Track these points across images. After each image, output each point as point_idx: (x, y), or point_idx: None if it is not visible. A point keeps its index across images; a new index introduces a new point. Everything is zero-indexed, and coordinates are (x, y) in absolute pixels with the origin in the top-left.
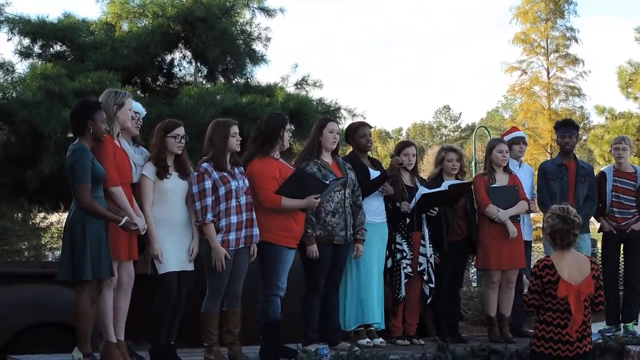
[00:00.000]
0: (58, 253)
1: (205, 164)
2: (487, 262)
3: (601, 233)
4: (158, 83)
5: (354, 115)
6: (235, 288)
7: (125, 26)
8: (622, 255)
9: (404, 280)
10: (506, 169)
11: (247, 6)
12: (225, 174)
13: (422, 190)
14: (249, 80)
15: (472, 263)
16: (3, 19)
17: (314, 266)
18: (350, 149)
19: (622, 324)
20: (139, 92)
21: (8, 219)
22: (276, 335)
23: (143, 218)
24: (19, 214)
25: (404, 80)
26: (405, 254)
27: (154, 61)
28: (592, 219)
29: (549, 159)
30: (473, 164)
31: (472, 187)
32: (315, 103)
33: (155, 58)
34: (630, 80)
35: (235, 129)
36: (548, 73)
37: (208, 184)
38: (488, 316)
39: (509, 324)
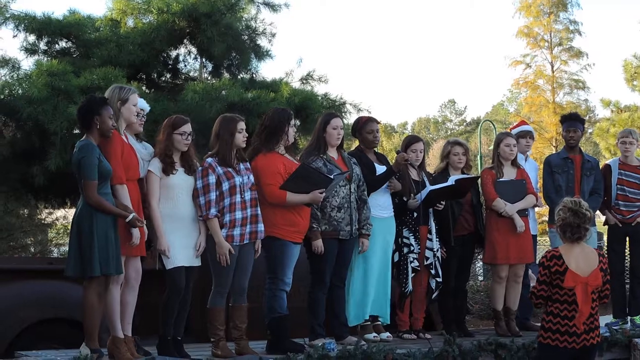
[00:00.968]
0: (64, 249)
1: (209, 159)
2: (495, 256)
3: (606, 226)
4: (163, 79)
5: (359, 110)
6: (241, 284)
7: (130, 22)
8: (628, 248)
9: (410, 275)
10: (514, 163)
11: (251, 1)
12: (229, 169)
13: (429, 187)
14: (254, 75)
15: (479, 257)
16: (9, 15)
17: (320, 261)
18: (356, 143)
19: (629, 317)
20: (144, 88)
21: (14, 215)
22: (283, 330)
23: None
24: (25, 210)
25: (409, 75)
26: (412, 248)
27: (159, 57)
28: (598, 212)
29: (554, 152)
30: (479, 158)
31: (480, 180)
32: (320, 98)
33: (161, 54)
34: (635, 73)
35: (242, 125)
36: (552, 66)
37: (212, 178)
38: (495, 310)
39: (516, 318)
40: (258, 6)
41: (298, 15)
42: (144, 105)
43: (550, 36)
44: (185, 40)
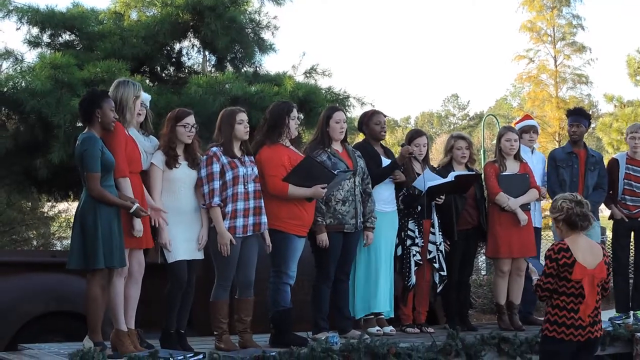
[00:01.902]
0: (66, 242)
1: (214, 148)
2: (498, 250)
3: (611, 221)
4: (167, 72)
5: (363, 103)
6: (246, 276)
7: (134, 15)
8: (633, 243)
9: (413, 268)
10: (517, 157)
11: None
12: (234, 159)
13: (428, 182)
14: (257, 69)
15: (481, 251)
16: (12, 8)
17: (324, 254)
18: (359, 137)
19: (632, 312)
20: (147, 81)
21: (16, 208)
22: (286, 323)
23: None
24: (29, 204)
25: (412, 69)
26: (415, 241)
27: (163, 50)
28: (603, 206)
29: (557, 147)
30: (482, 152)
31: (483, 174)
32: (324, 92)
33: (164, 47)
34: (639, 68)
35: (242, 116)
36: (555, 61)
37: (216, 167)
38: (498, 304)
39: (519, 312)
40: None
41: (302, 8)
42: (145, 97)
43: (554, 31)
44: (188, 34)
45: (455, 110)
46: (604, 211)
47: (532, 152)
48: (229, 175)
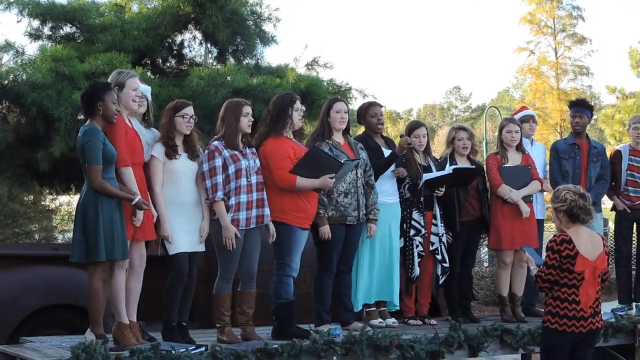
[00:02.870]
0: (68, 235)
1: (216, 142)
2: (500, 242)
3: (614, 212)
4: (168, 64)
5: (365, 95)
6: (249, 269)
7: (135, 7)
8: (635, 234)
9: (417, 260)
10: (519, 148)
11: None
12: (236, 152)
13: (426, 176)
14: (259, 61)
15: (484, 243)
16: (13, 0)
17: (327, 247)
18: (361, 129)
19: (634, 303)
20: (149, 74)
21: (18, 201)
22: (288, 315)
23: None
24: (30, 197)
25: (414, 61)
26: (420, 231)
27: (164, 42)
28: (605, 197)
29: (558, 138)
30: (484, 144)
31: (485, 166)
32: (326, 84)
33: (165, 39)
34: None
35: (247, 109)
36: (556, 53)
37: (218, 161)
38: (500, 296)
39: (521, 304)
40: None
41: (303, 0)
42: (143, 88)
43: (554, 22)
44: (190, 26)
45: (458, 102)
46: (607, 202)
47: (532, 143)
48: (231, 169)
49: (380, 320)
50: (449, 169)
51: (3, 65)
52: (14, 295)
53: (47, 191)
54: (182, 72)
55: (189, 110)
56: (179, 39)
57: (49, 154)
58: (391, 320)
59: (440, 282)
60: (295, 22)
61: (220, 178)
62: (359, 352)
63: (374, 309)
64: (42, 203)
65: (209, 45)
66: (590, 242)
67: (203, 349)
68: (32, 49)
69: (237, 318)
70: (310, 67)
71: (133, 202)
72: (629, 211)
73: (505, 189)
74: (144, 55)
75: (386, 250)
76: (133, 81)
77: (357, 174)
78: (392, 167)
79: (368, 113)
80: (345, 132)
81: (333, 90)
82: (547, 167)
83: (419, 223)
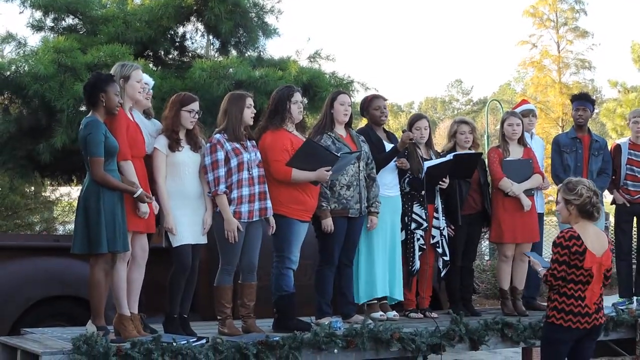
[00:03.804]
0: (69, 227)
1: (218, 135)
2: (501, 235)
3: (614, 206)
4: (170, 56)
5: (367, 88)
6: (250, 261)
7: None
8: (635, 228)
9: (417, 253)
10: (521, 142)
11: None
12: (237, 145)
13: (427, 163)
14: (261, 53)
15: (485, 236)
16: None
17: (329, 239)
18: (363, 122)
19: (635, 297)
20: (151, 65)
21: (19, 192)
22: (289, 308)
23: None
24: (32, 188)
25: (416, 54)
26: (421, 224)
27: (166, 34)
28: (605, 191)
29: (560, 132)
30: (485, 137)
31: (486, 160)
32: (328, 76)
33: (168, 31)
34: None
35: (250, 101)
36: (558, 46)
37: (220, 155)
38: (501, 289)
39: (522, 297)
40: None
41: None
42: (148, 79)
43: (556, 16)
44: (192, 18)
45: (459, 95)
46: (607, 196)
47: (532, 137)
48: (233, 162)
49: (382, 313)
50: (449, 155)
51: (5, 57)
52: (15, 287)
53: (49, 183)
54: (184, 64)
55: (195, 106)
56: (181, 30)
57: (50, 145)
58: (392, 313)
59: (442, 274)
60: (297, 14)
61: (222, 171)
62: (360, 345)
63: (375, 302)
64: (43, 194)
65: (211, 37)
66: (597, 238)
67: (204, 341)
68: (34, 40)
69: (238, 310)
70: (312, 59)
71: (135, 195)
72: (629, 205)
73: (506, 183)
74: (146, 47)
75: (388, 243)
76: (137, 73)
77: (359, 166)
78: (395, 158)
79: (371, 106)
80: (348, 125)
81: (335, 83)
82: (545, 162)
83: (421, 216)
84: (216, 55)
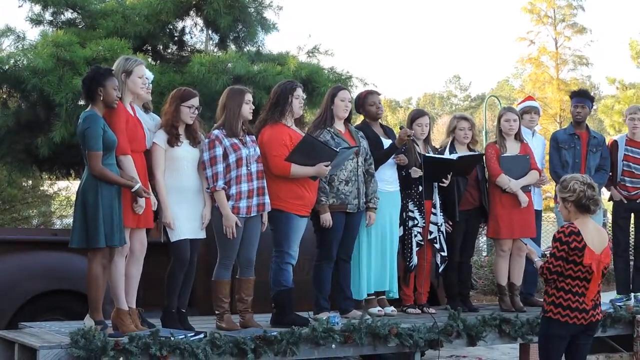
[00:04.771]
0: (67, 221)
1: (216, 131)
2: (498, 230)
3: (611, 202)
4: (169, 51)
5: (366, 84)
6: (248, 256)
7: None
8: (633, 225)
9: (415, 249)
10: (517, 138)
11: None
12: (236, 141)
13: (429, 156)
14: (260, 48)
15: (482, 232)
16: None
17: (327, 234)
18: (360, 118)
19: (633, 294)
20: (150, 60)
21: (16, 186)
22: (287, 303)
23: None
24: (29, 182)
25: (414, 50)
26: (416, 222)
27: (165, 29)
28: (603, 188)
29: (558, 128)
30: (484, 133)
31: (484, 156)
32: (326, 72)
33: (167, 26)
34: None
35: (249, 96)
36: (556, 43)
37: (219, 150)
38: (499, 285)
39: (520, 293)
40: None
41: None
42: (148, 74)
43: (554, 12)
44: (191, 12)
45: (457, 91)
46: (604, 193)
47: (533, 135)
48: (231, 158)
49: (379, 308)
50: (453, 156)
51: (4, 50)
52: (13, 281)
53: (47, 176)
54: (183, 58)
55: (195, 102)
56: (180, 25)
57: (49, 139)
58: (390, 309)
59: (440, 270)
60: (296, 9)
61: (220, 167)
62: (358, 340)
63: (373, 297)
64: (41, 188)
65: (210, 32)
66: (597, 235)
67: (202, 335)
68: (33, 34)
69: (236, 305)
70: (311, 54)
71: (133, 189)
72: (625, 202)
73: (504, 179)
74: (145, 42)
75: (386, 238)
76: (140, 68)
77: (357, 162)
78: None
79: (367, 102)
80: (347, 120)
81: (334, 78)
82: (545, 160)
83: (414, 214)
84: (215, 50)
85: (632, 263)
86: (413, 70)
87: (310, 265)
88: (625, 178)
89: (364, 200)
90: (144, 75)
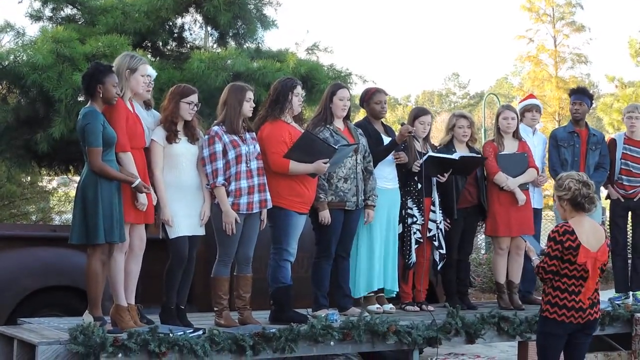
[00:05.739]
0: (65, 217)
1: (216, 127)
2: (496, 228)
3: (609, 200)
4: (169, 47)
5: (365, 81)
6: (246, 253)
7: None
8: (630, 223)
9: (414, 246)
10: (516, 136)
11: None
12: (235, 137)
13: (431, 152)
14: (259, 45)
15: (481, 230)
16: None
17: (326, 232)
18: (361, 114)
19: (631, 292)
20: (149, 56)
21: (15, 182)
22: (286, 300)
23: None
24: (28, 178)
25: (413, 47)
26: (415, 219)
27: (165, 25)
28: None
29: (557, 126)
30: (482, 131)
31: (482, 153)
32: (326, 69)
33: (166, 22)
34: None
35: (250, 94)
36: (554, 41)
37: (219, 147)
38: (497, 283)
39: (518, 291)
40: None
41: None
42: (151, 72)
43: (553, 10)
44: (191, 9)
45: (456, 89)
46: (602, 191)
47: (534, 133)
48: (231, 155)
49: (378, 305)
50: (455, 155)
51: (3, 46)
52: (12, 277)
53: (46, 172)
54: (182, 55)
55: (195, 98)
56: (179, 22)
57: (48, 135)
58: (389, 306)
59: (438, 267)
60: (295, 6)
61: (220, 163)
62: (357, 337)
63: (372, 294)
64: (40, 184)
65: (209, 28)
66: (593, 233)
67: (201, 332)
68: (32, 30)
69: (235, 302)
70: (310, 51)
71: (133, 185)
72: (623, 200)
73: (501, 177)
74: (144, 38)
75: (385, 236)
76: (144, 67)
77: (356, 159)
78: (393, 152)
79: (373, 99)
80: (346, 117)
81: (333, 75)
82: (545, 158)
83: (413, 211)
84: (214, 46)
85: (630, 262)
86: (412, 68)
87: (309, 263)
88: (623, 177)
89: (363, 197)
90: (147, 74)
